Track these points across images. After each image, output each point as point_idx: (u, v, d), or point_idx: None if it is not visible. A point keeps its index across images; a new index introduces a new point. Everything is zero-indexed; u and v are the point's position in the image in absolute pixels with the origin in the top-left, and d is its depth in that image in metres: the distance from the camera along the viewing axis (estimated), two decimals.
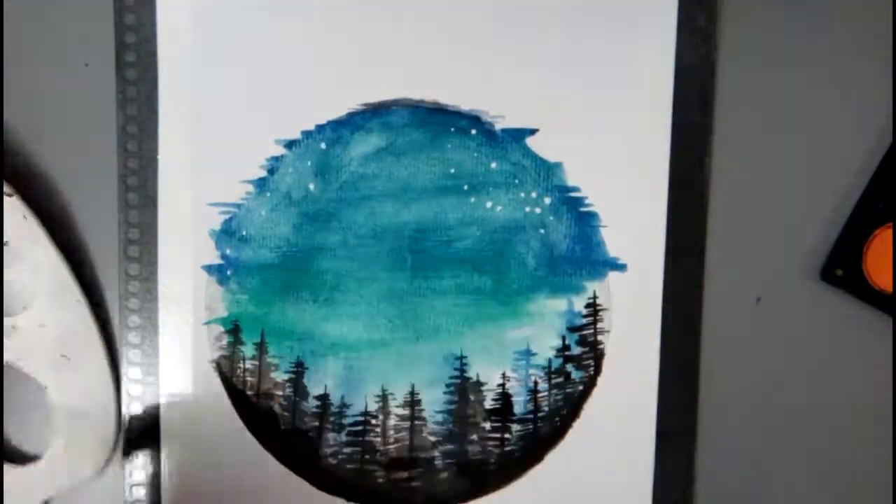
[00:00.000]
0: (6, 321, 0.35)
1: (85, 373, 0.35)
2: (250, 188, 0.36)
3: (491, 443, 0.37)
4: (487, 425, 0.37)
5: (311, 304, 0.36)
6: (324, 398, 0.36)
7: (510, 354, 0.36)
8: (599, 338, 0.36)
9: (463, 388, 0.36)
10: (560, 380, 0.36)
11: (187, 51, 0.35)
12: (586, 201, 0.36)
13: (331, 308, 0.36)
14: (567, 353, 0.36)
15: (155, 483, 0.36)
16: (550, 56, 0.35)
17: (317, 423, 0.36)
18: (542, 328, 0.36)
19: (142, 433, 0.36)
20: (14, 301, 0.35)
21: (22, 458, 0.37)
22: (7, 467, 0.36)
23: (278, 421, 0.36)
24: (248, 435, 0.36)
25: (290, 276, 0.36)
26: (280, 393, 0.36)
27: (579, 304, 0.36)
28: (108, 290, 0.37)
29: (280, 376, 0.36)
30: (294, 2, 0.35)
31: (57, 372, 0.35)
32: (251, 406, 0.36)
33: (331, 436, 0.36)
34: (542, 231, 0.36)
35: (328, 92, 0.35)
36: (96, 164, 0.36)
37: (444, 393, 0.36)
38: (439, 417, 0.37)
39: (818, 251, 0.36)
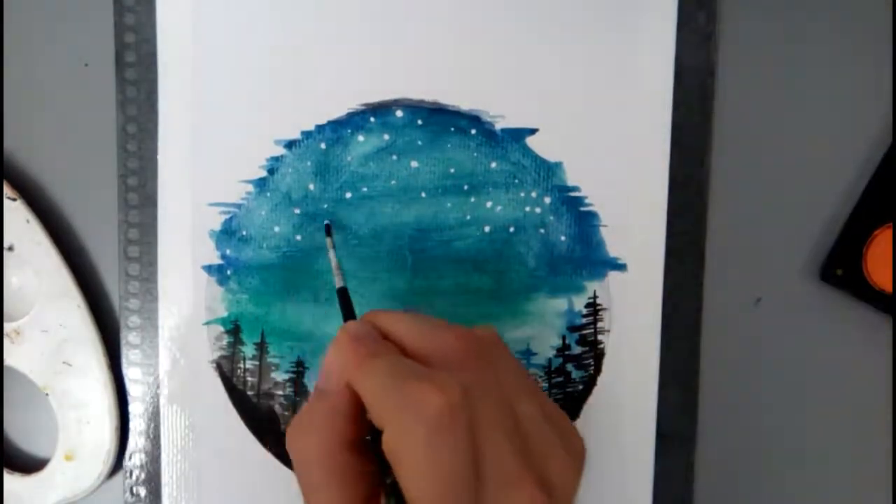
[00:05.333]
0: (9, 326, 0.35)
1: (86, 379, 0.35)
2: (250, 188, 0.36)
3: None
4: None
5: (312, 304, 0.36)
6: None
7: None
8: (599, 337, 0.36)
9: None
10: (560, 379, 0.36)
11: (187, 51, 0.35)
12: (586, 201, 0.36)
13: (331, 308, 0.36)
14: (567, 352, 0.36)
15: (155, 483, 0.36)
16: (550, 56, 0.35)
17: None
18: (542, 328, 0.36)
19: (142, 433, 0.36)
20: (17, 306, 0.35)
21: (24, 466, 0.36)
22: (9, 476, 0.36)
23: (278, 421, 0.36)
24: (249, 435, 0.36)
25: (290, 276, 0.36)
26: (280, 393, 0.36)
27: (579, 303, 0.36)
28: (108, 290, 0.37)
29: (280, 376, 0.36)
30: (294, 2, 0.35)
31: (59, 378, 0.35)
32: (251, 406, 0.36)
33: None
34: (542, 231, 0.36)
35: (328, 92, 0.35)
36: (96, 164, 0.36)
37: None
38: None
39: (818, 251, 0.36)
